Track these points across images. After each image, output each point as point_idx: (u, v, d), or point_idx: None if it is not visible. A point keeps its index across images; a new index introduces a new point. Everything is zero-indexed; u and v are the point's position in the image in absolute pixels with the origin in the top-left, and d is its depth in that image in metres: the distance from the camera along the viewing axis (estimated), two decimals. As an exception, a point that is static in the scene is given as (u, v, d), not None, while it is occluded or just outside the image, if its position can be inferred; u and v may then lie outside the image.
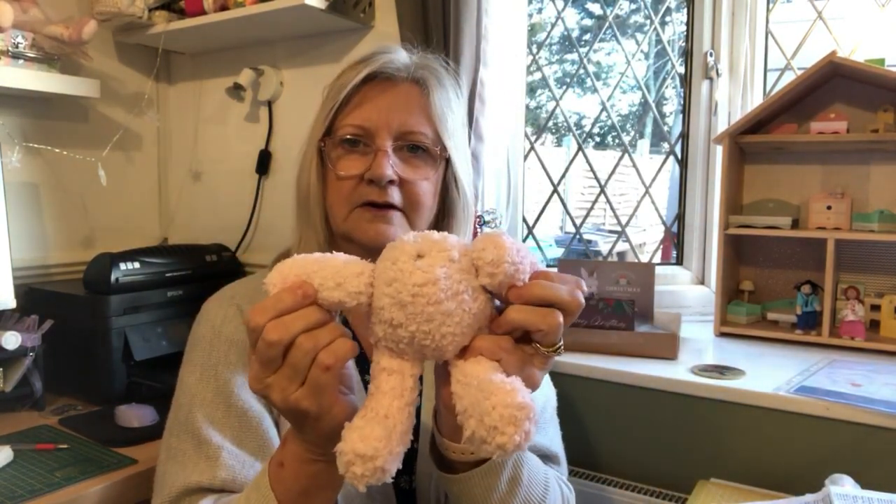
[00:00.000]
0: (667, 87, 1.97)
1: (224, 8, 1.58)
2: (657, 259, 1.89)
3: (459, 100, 0.95)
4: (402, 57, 0.90)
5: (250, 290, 0.92)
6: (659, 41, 1.75)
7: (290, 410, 0.59)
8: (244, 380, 0.81)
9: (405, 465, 0.82)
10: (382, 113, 0.85)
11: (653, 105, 1.80)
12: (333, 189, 0.86)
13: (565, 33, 1.85)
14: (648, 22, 1.73)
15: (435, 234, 0.59)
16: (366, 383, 0.80)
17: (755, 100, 1.61)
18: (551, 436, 0.99)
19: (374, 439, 0.54)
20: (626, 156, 1.78)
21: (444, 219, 0.93)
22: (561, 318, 0.57)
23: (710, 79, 1.62)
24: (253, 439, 0.82)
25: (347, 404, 0.60)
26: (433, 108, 0.88)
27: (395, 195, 0.84)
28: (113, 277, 1.41)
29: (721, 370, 1.22)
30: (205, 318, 0.91)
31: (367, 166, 0.84)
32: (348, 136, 0.86)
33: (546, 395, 1.02)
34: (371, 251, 0.82)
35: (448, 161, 0.90)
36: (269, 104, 1.79)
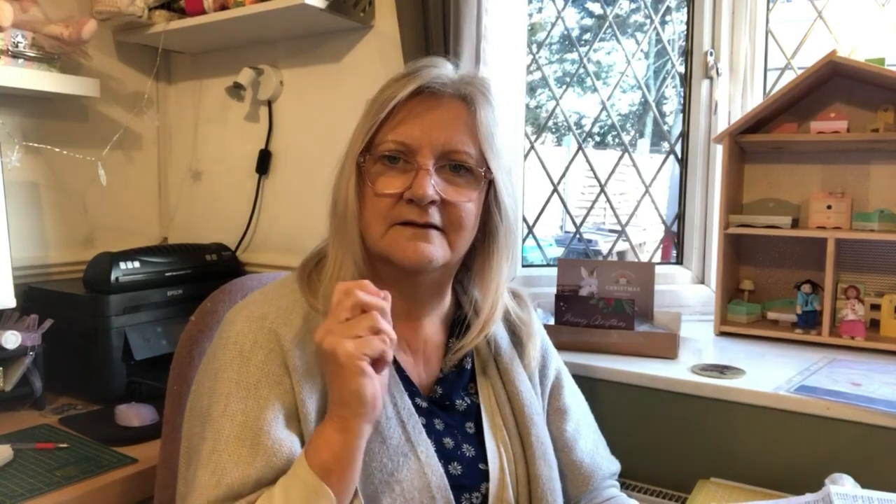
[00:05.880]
0: (667, 86, 1.97)
1: (224, 7, 1.58)
2: (657, 258, 1.89)
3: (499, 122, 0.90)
4: (448, 71, 0.86)
5: (283, 309, 0.81)
6: (659, 40, 1.74)
7: (339, 358, 0.69)
8: (277, 413, 0.75)
9: (472, 486, 0.83)
10: (426, 129, 0.81)
11: (653, 104, 1.80)
12: (370, 206, 0.82)
13: (565, 32, 1.85)
14: (648, 21, 1.73)
15: None
16: (416, 406, 0.83)
17: (755, 99, 1.60)
18: (601, 451, 1.03)
19: None
20: (626, 155, 1.78)
21: (484, 242, 0.90)
22: None
23: (710, 78, 1.62)
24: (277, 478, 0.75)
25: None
26: (480, 127, 0.84)
27: (435, 215, 0.81)
28: (113, 277, 1.41)
29: (721, 369, 1.22)
30: (231, 339, 0.79)
31: (407, 184, 0.80)
32: (388, 153, 0.81)
33: (581, 404, 1.05)
34: (408, 272, 0.82)
35: (492, 183, 0.86)
36: (269, 103, 1.79)
